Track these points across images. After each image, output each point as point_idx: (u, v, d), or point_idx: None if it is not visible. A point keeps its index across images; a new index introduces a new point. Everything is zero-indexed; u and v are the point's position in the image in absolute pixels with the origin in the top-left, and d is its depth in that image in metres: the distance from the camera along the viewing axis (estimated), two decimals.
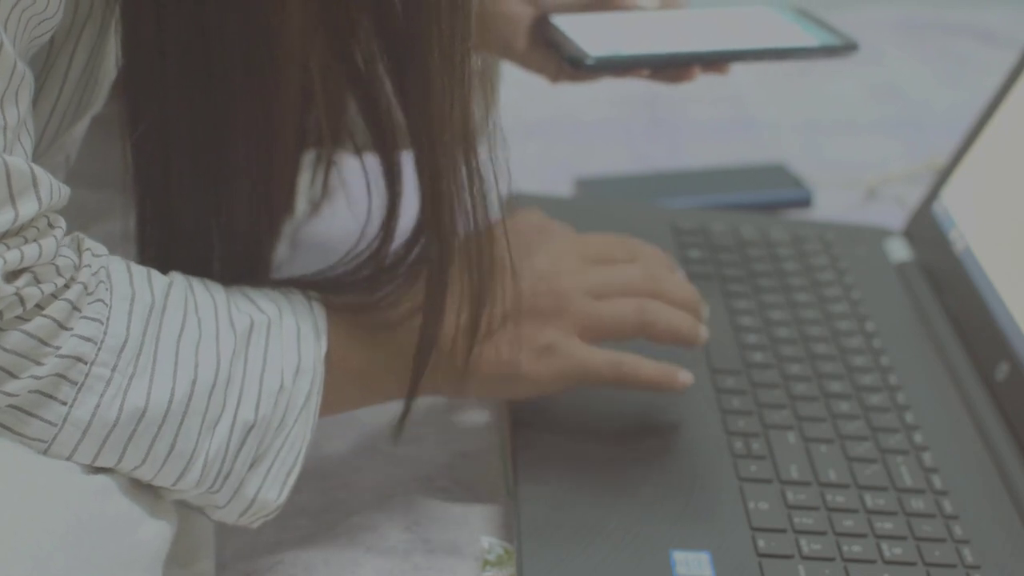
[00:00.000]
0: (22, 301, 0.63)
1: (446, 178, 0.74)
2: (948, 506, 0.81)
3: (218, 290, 0.73)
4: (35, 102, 0.71)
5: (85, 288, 0.66)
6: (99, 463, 0.68)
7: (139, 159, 0.75)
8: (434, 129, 0.73)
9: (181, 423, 0.69)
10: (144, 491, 0.69)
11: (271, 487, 0.73)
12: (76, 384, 0.66)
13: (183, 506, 0.77)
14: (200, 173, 0.73)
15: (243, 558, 0.80)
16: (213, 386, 0.70)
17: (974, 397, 0.91)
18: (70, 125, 0.75)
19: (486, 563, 0.80)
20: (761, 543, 0.77)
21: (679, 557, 0.75)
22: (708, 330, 0.85)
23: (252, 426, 0.71)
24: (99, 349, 0.66)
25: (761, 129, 1.34)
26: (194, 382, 0.69)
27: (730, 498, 0.80)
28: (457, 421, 0.91)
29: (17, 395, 0.64)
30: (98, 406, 0.66)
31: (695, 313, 0.85)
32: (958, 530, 0.80)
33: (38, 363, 0.65)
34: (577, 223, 0.89)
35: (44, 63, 0.71)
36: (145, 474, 0.69)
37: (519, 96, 1.37)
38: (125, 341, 0.67)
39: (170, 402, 0.68)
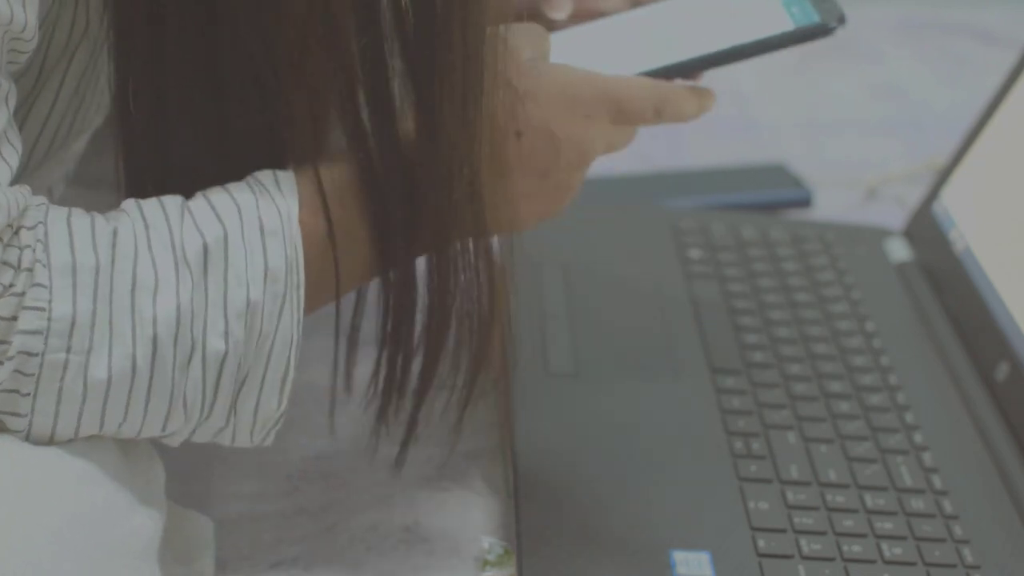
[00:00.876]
0: None
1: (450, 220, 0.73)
2: (948, 506, 0.81)
3: (173, 208, 0.69)
4: (25, 119, 0.71)
5: (30, 273, 0.65)
6: (82, 433, 0.67)
7: (132, 168, 0.74)
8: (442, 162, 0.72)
9: (151, 379, 0.67)
10: (133, 479, 0.69)
11: (269, 398, 0.70)
12: (33, 375, 0.65)
13: (183, 505, 0.77)
14: (196, 185, 0.72)
15: (243, 558, 0.80)
16: (176, 332, 0.67)
17: (974, 397, 0.91)
18: (65, 142, 0.74)
19: (486, 563, 0.80)
20: (761, 543, 0.77)
21: (679, 557, 0.75)
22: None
23: (225, 354, 0.69)
24: (47, 337, 0.65)
25: (761, 129, 1.34)
26: (155, 338, 0.67)
27: (730, 498, 0.80)
28: None
29: None
30: (61, 390, 0.66)
31: None
32: (958, 530, 0.80)
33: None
34: (578, 224, 0.89)
35: (35, 82, 0.71)
36: (129, 431, 0.68)
37: None
38: (73, 320, 0.65)
39: (134, 366, 0.67)
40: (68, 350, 0.65)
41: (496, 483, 0.87)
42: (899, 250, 1.08)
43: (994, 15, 1.57)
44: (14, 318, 0.64)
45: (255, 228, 0.69)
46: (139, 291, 0.66)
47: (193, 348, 0.68)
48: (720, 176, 1.17)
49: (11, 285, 0.64)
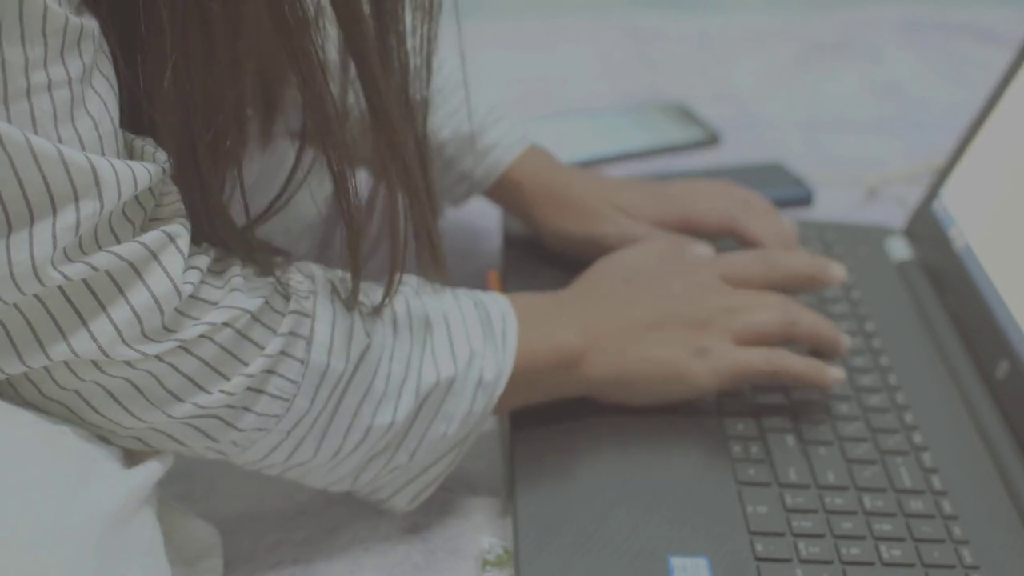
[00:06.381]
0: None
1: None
2: (947, 506, 0.81)
3: (419, 326, 0.78)
4: None
5: (289, 360, 0.72)
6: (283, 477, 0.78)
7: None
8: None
9: (342, 462, 0.77)
10: (136, 479, 0.68)
11: (399, 503, 0.82)
12: (245, 432, 0.72)
13: (184, 505, 0.77)
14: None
15: (244, 559, 0.81)
16: (381, 441, 0.77)
17: (974, 396, 0.91)
18: None
19: (486, 563, 0.80)
20: (759, 547, 0.77)
21: (677, 563, 0.75)
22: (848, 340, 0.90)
23: (400, 466, 0.79)
24: (279, 420, 0.73)
25: (762, 128, 1.34)
26: (361, 443, 0.76)
27: (728, 502, 0.80)
28: None
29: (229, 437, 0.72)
30: (265, 456, 0.75)
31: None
32: (957, 530, 0.80)
33: (235, 427, 0.72)
34: None
35: None
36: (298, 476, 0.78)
37: (520, 93, 1.37)
38: (306, 412, 0.74)
39: (336, 453, 0.76)
40: (289, 433, 0.74)
41: (496, 483, 0.87)
42: (900, 249, 1.07)
43: (995, 15, 1.57)
44: (260, 391, 0.71)
45: (475, 379, 0.79)
46: (367, 401, 0.76)
47: (385, 452, 0.78)
48: (720, 175, 1.16)
49: (273, 355, 0.71)
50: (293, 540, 0.82)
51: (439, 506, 0.84)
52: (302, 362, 0.72)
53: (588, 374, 0.83)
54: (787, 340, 0.87)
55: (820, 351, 0.88)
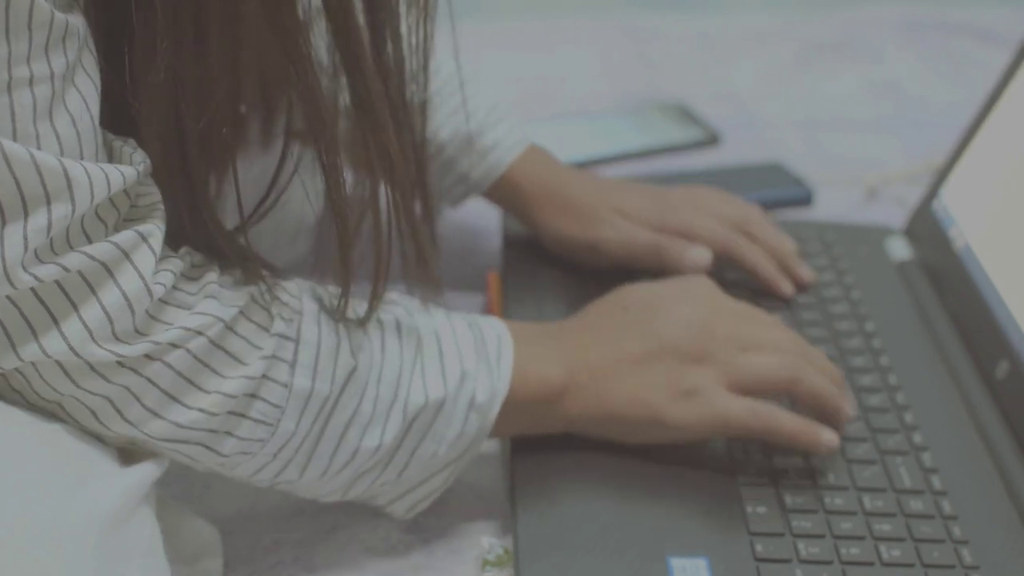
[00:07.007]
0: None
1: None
2: (947, 506, 0.81)
3: (408, 350, 0.77)
4: None
5: (271, 384, 0.71)
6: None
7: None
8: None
9: (330, 480, 0.77)
10: (134, 479, 0.68)
11: (396, 510, 0.81)
12: (230, 457, 0.72)
13: (183, 505, 0.77)
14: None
15: (243, 559, 0.81)
16: (368, 461, 0.76)
17: (974, 396, 0.91)
18: None
19: (486, 563, 0.80)
20: (759, 548, 0.77)
21: (677, 564, 0.75)
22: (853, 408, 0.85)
23: (389, 482, 0.78)
24: (264, 444, 0.72)
25: (762, 128, 1.34)
26: (348, 464, 0.76)
27: (728, 503, 0.80)
28: None
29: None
30: (252, 476, 0.74)
31: (839, 386, 0.84)
32: (957, 531, 0.79)
33: (219, 453, 0.71)
34: None
35: None
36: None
37: (519, 94, 1.37)
38: (291, 436, 0.73)
39: (324, 473, 0.76)
40: (275, 456, 0.74)
41: (496, 483, 0.87)
42: (900, 249, 1.07)
43: (995, 15, 1.57)
44: (242, 415, 0.71)
45: (467, 400, 0.78)
46: (354, 424, 0.75)
47: (373, 471, 0.77)
48: (720, 175, 1.16)
49: (255, 378, 0.70)
50: (291, 540, 0.82)
51: (439, 506, 0.84)
52: (285, 386, 0.71)
53: (569, 411, 0.81)
54: (785, 395, 0.83)
55: (819, 415, 0.83)
